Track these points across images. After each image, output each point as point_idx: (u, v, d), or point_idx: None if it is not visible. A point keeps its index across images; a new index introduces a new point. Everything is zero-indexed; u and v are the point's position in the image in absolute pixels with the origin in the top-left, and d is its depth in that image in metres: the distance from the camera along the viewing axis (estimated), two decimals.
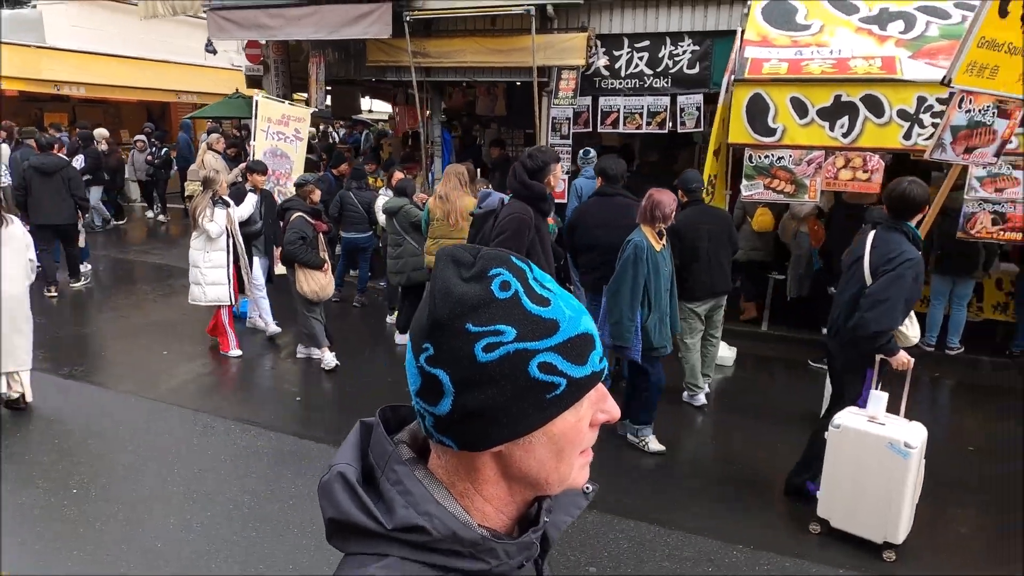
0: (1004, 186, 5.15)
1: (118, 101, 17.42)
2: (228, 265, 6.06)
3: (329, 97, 11.33)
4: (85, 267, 8.83)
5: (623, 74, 7.51)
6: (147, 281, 9.18)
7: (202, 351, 6.37)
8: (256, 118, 7.07)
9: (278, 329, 6.72)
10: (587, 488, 0.83)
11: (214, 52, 9.26)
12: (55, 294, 7.92)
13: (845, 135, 5.45)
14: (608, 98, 7.61)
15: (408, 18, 7.59)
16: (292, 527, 3.62)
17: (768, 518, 3.93)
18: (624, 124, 7.63)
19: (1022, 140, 5.05)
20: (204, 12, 8.62)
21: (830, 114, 5.46)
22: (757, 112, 5.63)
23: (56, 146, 8.81)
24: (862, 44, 5.75)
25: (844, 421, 3.54)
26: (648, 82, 7.42)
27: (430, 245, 5.92)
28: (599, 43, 7.49)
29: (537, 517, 0.79)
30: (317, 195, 6.15)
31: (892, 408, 3.56)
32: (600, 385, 0.75)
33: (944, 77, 3.73)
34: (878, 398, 3.51)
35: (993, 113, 3.96)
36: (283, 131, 7.35)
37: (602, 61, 7.52)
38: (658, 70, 7.35)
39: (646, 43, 7.35)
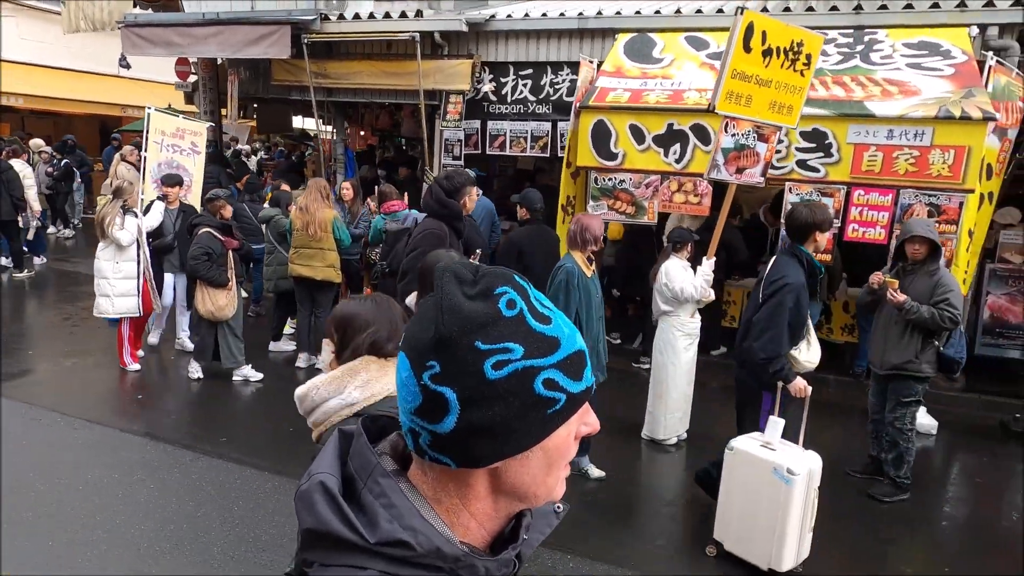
0: None
1: (69, 113, 17.64)
2: (139, 276, 6.05)
3: (255, 113, 11.66)
4: (40, 260, 9.95)
5: (509, 100, 7.86)
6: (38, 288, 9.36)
7: (70, 352, 6.54)
8: (148, 131, 7.32)
9: (191, 345, 6.49)
10: (558, 508, 0.84)
11: (128, 67, 9.54)
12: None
13: (678, 161, 5.81)
14: (495, 122, 7.94)
15: (306, 41, 7.94)
16: (70, 510, 3.79)
17: (664, 538, 3.99)
18: (510, 147, 7.96)
19: (830, 169, 5.44)
20: (118, 28, 8.92)
21: (664, 141, 5.83)
22: (600, 137, 6.00)
23: (3, 152, 9.41)
24: (702, 77, 6.13)
25: (738, 444, 3.55)
26: (531, 108, 7.77)
27: (292, 255, 6.17)
28: (487, 69, 7.85)
29: (514, 533, 0.80)
30: (228, 211, 6.10)
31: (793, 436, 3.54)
32: None
33: (709, 104, 4.08)
34: (775, 424, 3.50)
35: (754, 137, 4.30)
36: (179, 144, 7.60)
37: (489, 87, 7.88)
38: (540, 97, 7.70)
39: (529, 71, 7.72)
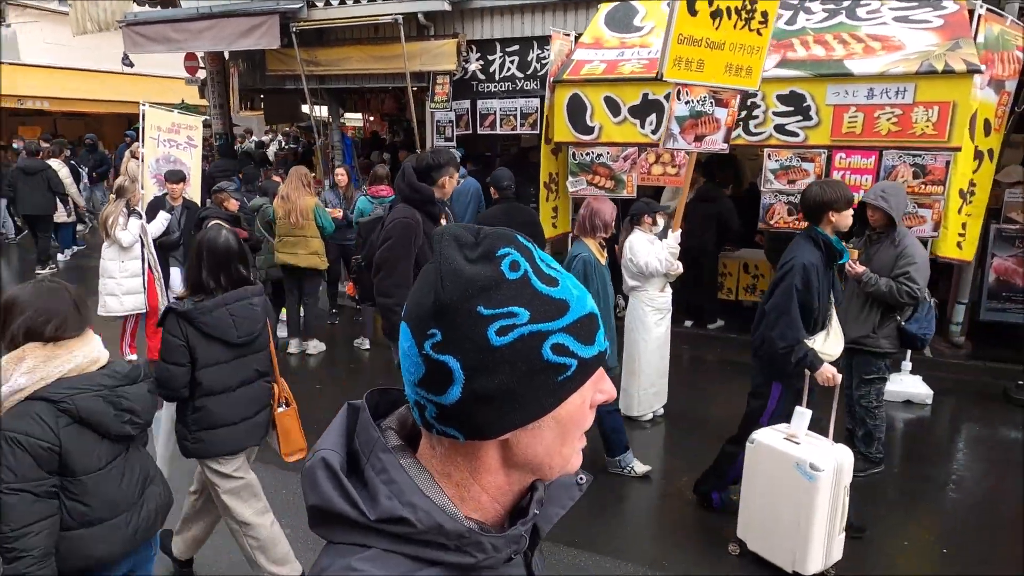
0: (796, 178, 5.30)
1: (99, 113, 18.20)
2: (144, 273, 6.14)
3: (263, 104, 11.83)
4: (64, 255, 10.51)
5: (497, 77, 7.78)
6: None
7: None
8: (144, 127, 7.50)
9: None
10: (580, 479, 0.81)
11: (131, 65, 9.78)
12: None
13: (654, 131, 5.67)
14: (485, 101, 7.88)
15: (294, 29, 7.99)
16: None
17: (654, 525, 3.89)
18: (501, 125, 7.90)
19: (810, 133, 5.24)
20: (120, 27, 9.13)
21: (640, 112, 5.70)
22: (576, 111, 5.90)
23: (40, 153, 10.31)
24: None
25: (760, 436, 3.25)
26: (520, 84, 7.69)
27: (277, 243, 6.26)
28: (474, 48, 7.78)
29: (527, 508, 0.76)
30: (233, 204, 6.20)
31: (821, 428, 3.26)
32: None
33: (656, 72, 3.94)
34: (801, 415, 3.22)
35: (711, 103, 4.15)
36: (175, 139, 7.76)
37: (476, 65, 7.81)
38: (528, 73, 7.61)
39: (516, 47, 7.62)
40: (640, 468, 4.31)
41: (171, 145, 7.75)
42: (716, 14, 3.82)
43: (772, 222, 5.52)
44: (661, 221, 4.97)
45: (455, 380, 0.65)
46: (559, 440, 0.71)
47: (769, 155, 5.37)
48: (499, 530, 0.73)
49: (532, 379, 0.66)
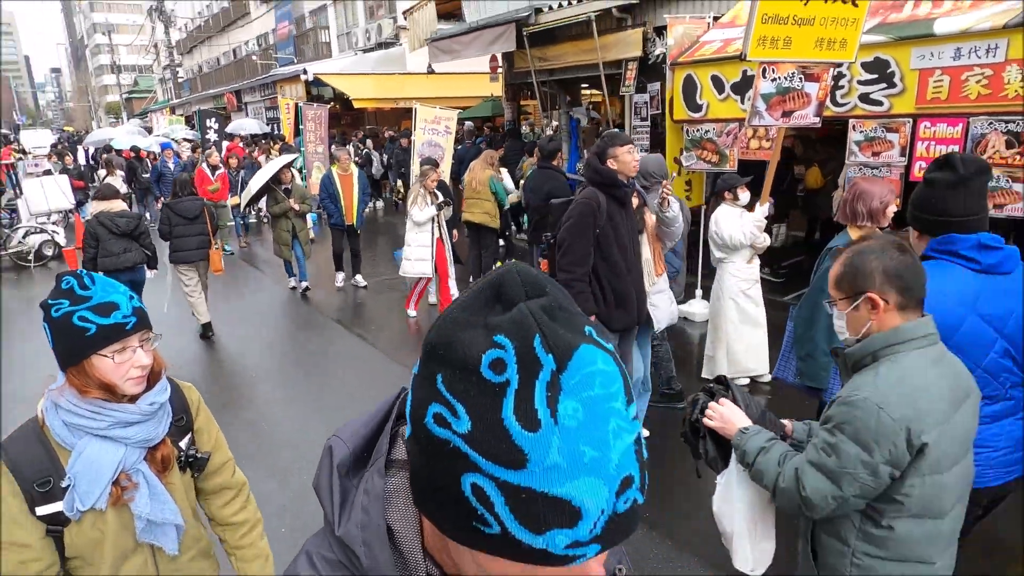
0: (880, 149, 4.96)
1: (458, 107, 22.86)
2: (432, 246, 7.49)
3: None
4: None
5: None
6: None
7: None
8: (415, 119, 10.12)
9: None
10: (619, 569, 0.66)
11: (432, 72, 12.71)
12: None
13: None
14: None
15: (525, 33, 9.71)
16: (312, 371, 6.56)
17: None
18: None
19: (895, 101, 4.91)
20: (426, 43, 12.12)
21: (740, 88, 5.93)
22: (689, 91, 6.38)
23: (404, 140, 14.41)
24: None
25: None
26: None
27: (464, 204, 8.17)
28: (657, 34, 8.42)
29: None
30: None
31: None
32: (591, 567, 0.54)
33: (741, 53, 4.21)
34: None
35: (800, 79, 4.28)
36: (436, 127, 10.24)
37: (662, 49, 8.42)
38: None
39: None
40: None
41: (433, 132, 10.29)
42: None
43: None
44: (743, 195, 4.97)
45: (407, 419, 0.57)
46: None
47: (854, 126, 5.15)
48: None
49: (445, 494, 0.53)
